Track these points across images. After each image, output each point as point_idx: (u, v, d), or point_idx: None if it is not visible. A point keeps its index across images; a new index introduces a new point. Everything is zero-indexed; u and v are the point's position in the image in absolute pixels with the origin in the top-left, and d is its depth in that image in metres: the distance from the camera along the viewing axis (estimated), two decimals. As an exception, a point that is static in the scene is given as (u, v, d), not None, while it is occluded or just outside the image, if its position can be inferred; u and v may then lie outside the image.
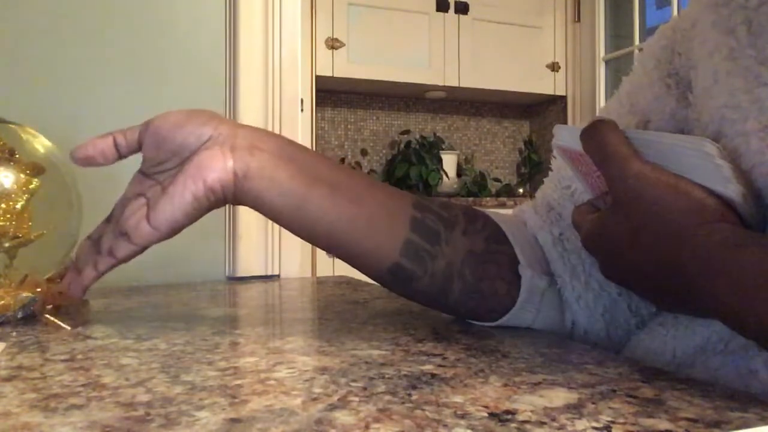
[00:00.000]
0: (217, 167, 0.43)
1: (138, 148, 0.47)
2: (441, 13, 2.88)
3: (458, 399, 0.31)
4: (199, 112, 0.47)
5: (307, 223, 0.45)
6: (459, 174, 3.10)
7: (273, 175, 0.44)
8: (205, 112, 0.47)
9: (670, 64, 0.45)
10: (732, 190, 0.35)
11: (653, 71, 0.46)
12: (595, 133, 0.39)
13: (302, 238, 0.47)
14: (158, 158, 0.46)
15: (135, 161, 0.49)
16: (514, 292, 0.47)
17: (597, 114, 0.52)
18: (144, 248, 0.46)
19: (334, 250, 0.46)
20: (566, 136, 0.44)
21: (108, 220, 0.49)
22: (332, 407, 0.29)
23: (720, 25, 0.39)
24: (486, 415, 0.28)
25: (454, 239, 0.46)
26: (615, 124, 0.39)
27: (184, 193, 0.43)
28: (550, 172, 0.54)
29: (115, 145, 0.47)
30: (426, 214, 0.46)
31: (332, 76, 2.71)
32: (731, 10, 0.38)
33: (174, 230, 0.45)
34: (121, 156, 0.48)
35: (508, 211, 0.54)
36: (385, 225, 0.45)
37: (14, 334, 0.48)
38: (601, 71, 2.93)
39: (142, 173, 0.48)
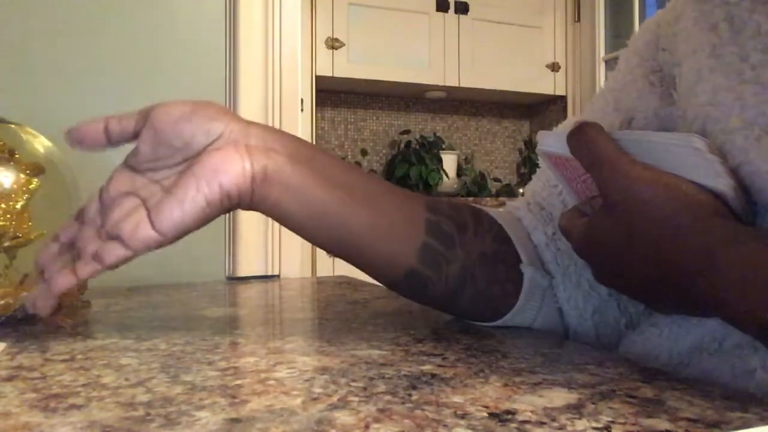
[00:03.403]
0: (234, 170, 0.40)
1: (131, 137, 0.43)
2: (441, 13, 2.88)
3: (458, 399, 0.31)
4: (205, 104, 0.43)
5: (323, 232, 0.43)
6: (459, 174, 3.10)
7: (290, 181, 0.42)
8: (211, 104, 0.44)
9: (653, 61, 0.45)
10: (723, 184, 0.34)
11: (637, 68, 0.46)
12: (583, 136, 0.38)
13: (316, 245, 0.45)
14: (156, 154, 0.42)
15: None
16: (519, 291, 0.47)
17: (583, 112, 0.51)
18: (139, 254, 0.41)
19: (350, 257, 0.45)
20: (551, 141, 0.43)
21: (78, 219, 0.44)
22: (332, 407, 0.29)
23: (702, 21, 0.39)
24: (486, 415, 0.28)
25: (466, 242, 0.46)
26: (601, 127, 0.39)
27: (196, 197, 0.39)
28: (538, 169, 0.54)
29: (107, 131, 0.43)
30: (440, 217, 0.46)
31: (332, 76, 2.71)
32: (713, 6, 0.38)
33: (180, 236, 0.41)
34: (111, 144, 0.43)
35: (508, 212, 0.54)
36: (402, 230, 0.44)
37: (14, 334, 0.48)
38: (601, 71, 2.93)
39: (131, 168, 0.43)
